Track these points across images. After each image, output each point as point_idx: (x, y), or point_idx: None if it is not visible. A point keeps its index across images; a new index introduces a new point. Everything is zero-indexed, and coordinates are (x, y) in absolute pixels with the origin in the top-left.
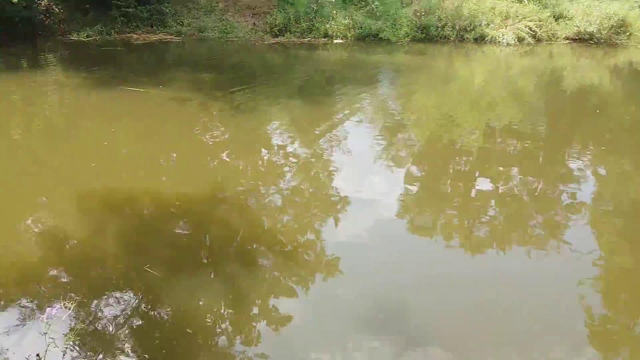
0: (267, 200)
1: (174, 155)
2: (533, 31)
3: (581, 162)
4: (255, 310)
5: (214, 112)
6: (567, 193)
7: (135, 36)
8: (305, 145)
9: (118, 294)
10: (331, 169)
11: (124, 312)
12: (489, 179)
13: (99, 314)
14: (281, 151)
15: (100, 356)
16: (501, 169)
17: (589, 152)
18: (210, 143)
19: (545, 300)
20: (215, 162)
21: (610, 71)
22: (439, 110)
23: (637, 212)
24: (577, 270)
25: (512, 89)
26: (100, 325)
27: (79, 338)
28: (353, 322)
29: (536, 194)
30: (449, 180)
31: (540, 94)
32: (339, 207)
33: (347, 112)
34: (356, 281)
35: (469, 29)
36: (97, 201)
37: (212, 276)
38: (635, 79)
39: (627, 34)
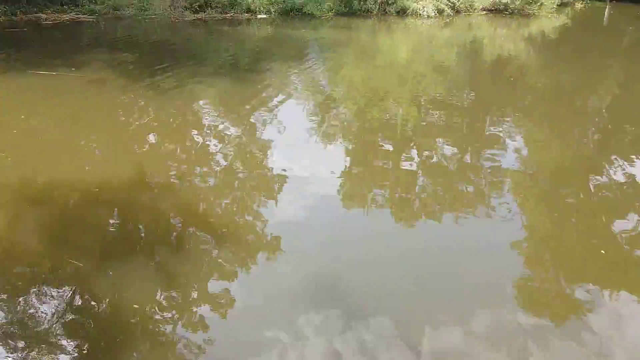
0: (199, 182)
1: (97, 141)
2: (452, 3)
3: (502, 130)
4: (195, 295)
5: (137, 94)
6: (491, 161)
7: (44, 16)
8: (236, 124)
9: (44, 288)
10: (264, 147)
11: (51, 307)
12: (418, 151)
13: (24, 309)
14: (211, 131)
15: (28, 351)
16: (429, 140)
17: (509, 121)
18: (135, 126)
19: (476, 265)
20: (142, 146)
21: (524, 40)
22: (367, 84)
23: (556, 176)
24: (504, 234)
25: (436, 61)
26: (26, 321)
27: (4, 335)
28: (296, 300)
29: (462, 163)
30: (380, 154)
31: (462, 65)
32: (275, 185)
33: (276, 88)
34: (297, 259)
35: (390, 2)
36: (13, 193)
37: (145, 264)
38: (547, 48)
39: (539, 4)
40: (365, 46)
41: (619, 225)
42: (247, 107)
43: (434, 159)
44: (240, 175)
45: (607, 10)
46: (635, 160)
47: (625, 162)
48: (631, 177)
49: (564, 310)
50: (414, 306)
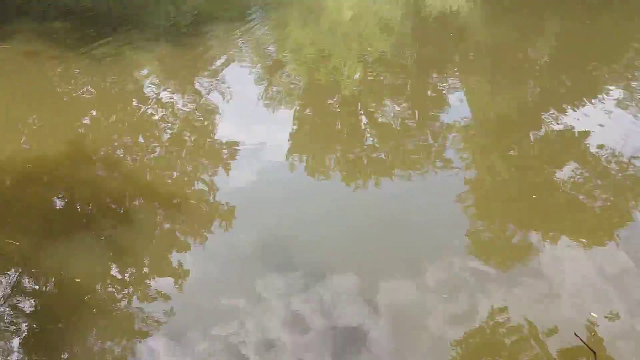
0: (147, 154)
1: (33, 115)
2: None
3: (447, 86)
4: (150, 268)
5: (72, 64)
6: (436, 117)
7: None
8: (180, 92)
9: None
10: (211, 114)
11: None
12: (365, 111)
13: None
14: (154, 100)
15: None
16: (376, 99)
17: (452, 76)
18: (73, 98)
19: (426, 219)
20: (81, 119)
21: None
22: (313, 44)
23: (500, 128)
24: (451, 188)
25: (381, 19)
26: None
27: None
28: (253, 265)
29: (409, 121)
30: (331, 116)
31: (406, 22)
32: (226, 154)
33: (220, 52)
34: (251, 225)
35: None
36: None
37: (93, 240)
38: (489, 2)
39: None
40: (310, 5)
41: (557, 174)
42: (191, 73)
43: (381, 118)
44: (189, 144)
45: None
46: (572, 110)
47: (562, 113)
48: (569, 127)
49: (510, 257)
50: (369, 263)
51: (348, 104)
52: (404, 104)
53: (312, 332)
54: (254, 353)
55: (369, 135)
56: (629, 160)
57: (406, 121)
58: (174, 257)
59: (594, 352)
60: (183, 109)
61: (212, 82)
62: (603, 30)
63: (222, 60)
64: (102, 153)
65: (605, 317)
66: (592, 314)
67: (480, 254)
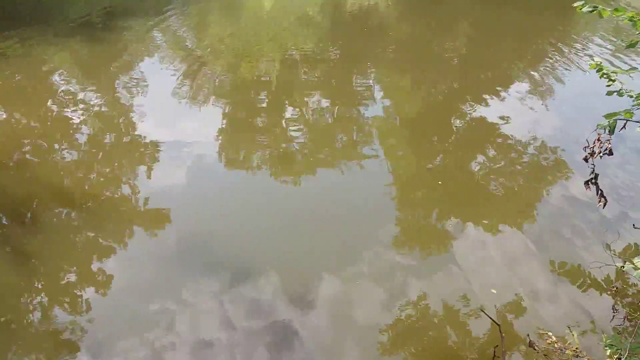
0: (63, 156)
1: None
2: None
3: (370, 80)
4: (71, 276)
5: None
6: (361, 112)
7: None
8: (97, 90)
9: None
10: (131, 113)
11: None
12: (291, 107)
13: None
14: (69, 100)
15: None
16: (300, 95)
17: (375, 71)
18: None
19: (354, 212)
20: None
21: None
22: (235, 40)
23: (418, 121)
24: (377, 179)
25: (301, 14)
26: None
27: None
28: (181, 267)
29: (334, 116)
30: (256, 112)
31: (326, 17)
32: (147, 153)
33: (138, 48)
34: (178, 226)
35: None
36: None
37: (5, 251)
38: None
39: None
40: (230, 0)
41: (472, 163)
42: (108, 70)
43: (306, 113)
44: (107, 145)
45: None
46: (488, 100)
47: (479, 103)
48: (484, 116)
49: (429, 243)
50: (300, 258)
51: (271, 99)
52: (328, 99)
53: (243, 332)
54: (184, 357)
55: (295, 130)
56: (536, 149)
57: (331, 116)
58: (96, 263)
59: (498, 325)
60: (100, 108)
61: (130, 78)
62: (512, 24)
63: (140, 55)
64: (14, 158)
65: (510, 294)
66: (492, 290)
67: (402, 242)
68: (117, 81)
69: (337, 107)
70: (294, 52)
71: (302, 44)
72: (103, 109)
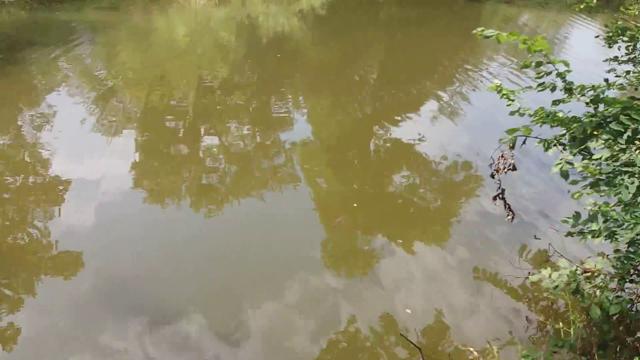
0: None
1: None
2: None
3: (288, 105)
4: None
5: None
6: (281, 137)
7: None
8: (1, 129)
9: None
10: (39, 150)
11: None
12: (210, 135)
13: None
14: None
15: None
16: (219, 123)
17: (293, 96)
18: None
19: (281, 238)
20: None
21: (296, 16)
22: (147, 69)
23: (337, 144)
24: (302, 204)
25: (216, 41)
26: None
27: None
28: (100, 313)
29: (254, 142)
30: (172, 142)
31: (242, 43)
32: (57, 193)
33: (45, 80)
34: (94, 269)
35: None
36: None
37: None
38: (318, 22)
39: None
40: (140, 28)
41: (391, 183)
42: (11, 105)
43: (225, 142)
44: (11, 187)
45: None
46: (402, 121)
47: (394, 125)
48: (399, 137)
49: (358, 266)
50: (225, 293)
51: (188, 127)
52: (246, 125)
53: None
54: None
55: (211, 159)
56: (449, 167)
57: (251, 143)
58: (2, 317)
59: (419, 348)
60: (4, 147)
61: (36, 112)
62: (422, 46)
63: (47, 88)
64: None
65: (431, 312)
66: (407, 310)
67: (335, 264)
68: (22, 116)
69: (256, 133)
70: (210, 79)
71: (218, 70)
72: (8, 148)
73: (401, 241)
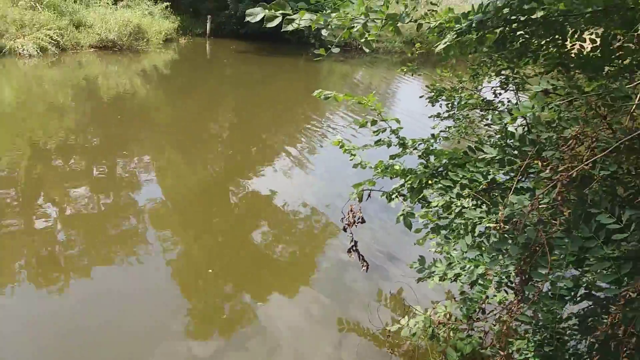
0: None
1: None
2: (55, 40)
3: (136, 167)
4: None
5: None
6: (129, 200)
7: None
8: None
9: None
10: None
11: None
12: (49, 203)
13: None
14: None
15: None
16: (60, 188)
17: (140, 157)
18: None
19: (136, 312)
20: None
21: (139, 76)
22: None
23: (195, 201)
24: (156, 270)
25: (51, 104)
26: None
27: None
28: None
29: (101, 209)
30: (3, 215)
31: (80, 105)
32: None
33: None
34: None
35: None
36: None
37: None
38: (162, 81)
39: (145, 39)
40: None
41: (252, 236)
42: None
43: (68, 209)
44: None
45: (207, 45)
46: (256, 176)
47: (249, 179)
48: (256, 191)
49: (229, 324)
50: None
51: (22, 198)
52: (91, 189)
53: None
54: None
55: (52, 229)
56: (306, 217)
57: (98, 209)
58: None
59: None
60: None
61: None
62: (270, 101)
63: None
64: None
65: None
66: None
67: (200, 330)
68: None
69: (102, 198)
70: (45, 143)
71: (55, 134)
72: None
73: (263, 302)
